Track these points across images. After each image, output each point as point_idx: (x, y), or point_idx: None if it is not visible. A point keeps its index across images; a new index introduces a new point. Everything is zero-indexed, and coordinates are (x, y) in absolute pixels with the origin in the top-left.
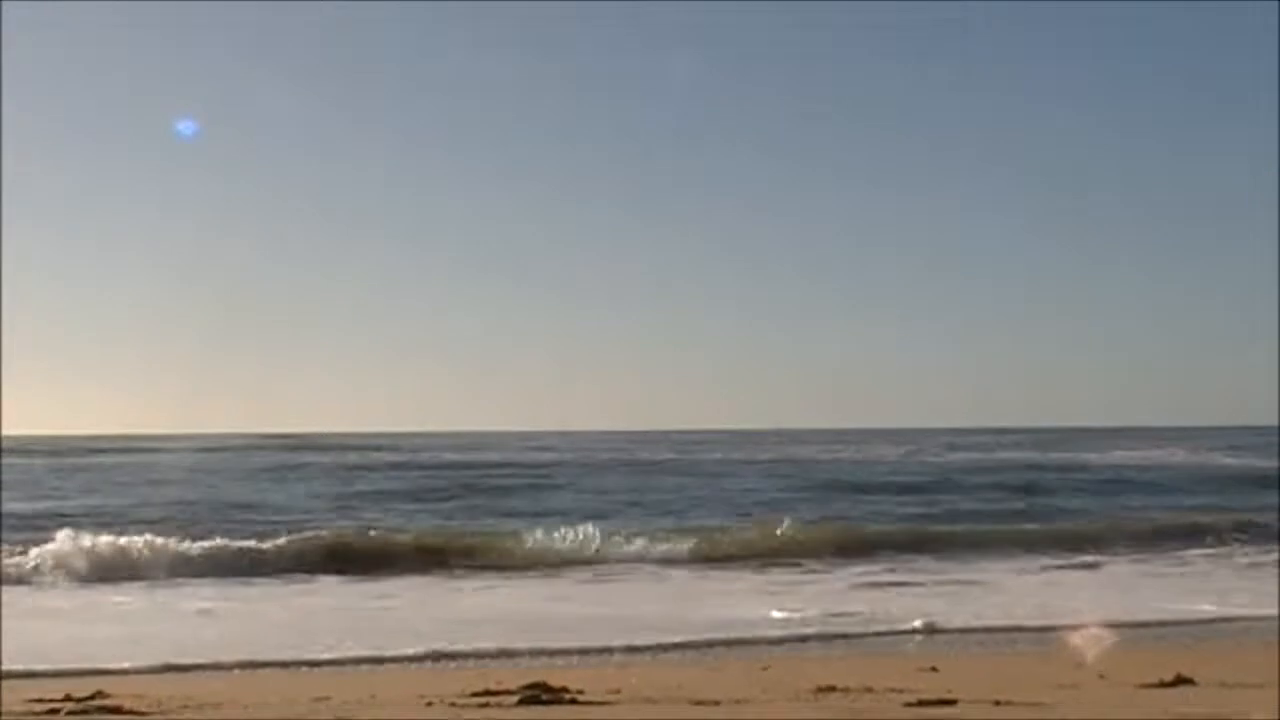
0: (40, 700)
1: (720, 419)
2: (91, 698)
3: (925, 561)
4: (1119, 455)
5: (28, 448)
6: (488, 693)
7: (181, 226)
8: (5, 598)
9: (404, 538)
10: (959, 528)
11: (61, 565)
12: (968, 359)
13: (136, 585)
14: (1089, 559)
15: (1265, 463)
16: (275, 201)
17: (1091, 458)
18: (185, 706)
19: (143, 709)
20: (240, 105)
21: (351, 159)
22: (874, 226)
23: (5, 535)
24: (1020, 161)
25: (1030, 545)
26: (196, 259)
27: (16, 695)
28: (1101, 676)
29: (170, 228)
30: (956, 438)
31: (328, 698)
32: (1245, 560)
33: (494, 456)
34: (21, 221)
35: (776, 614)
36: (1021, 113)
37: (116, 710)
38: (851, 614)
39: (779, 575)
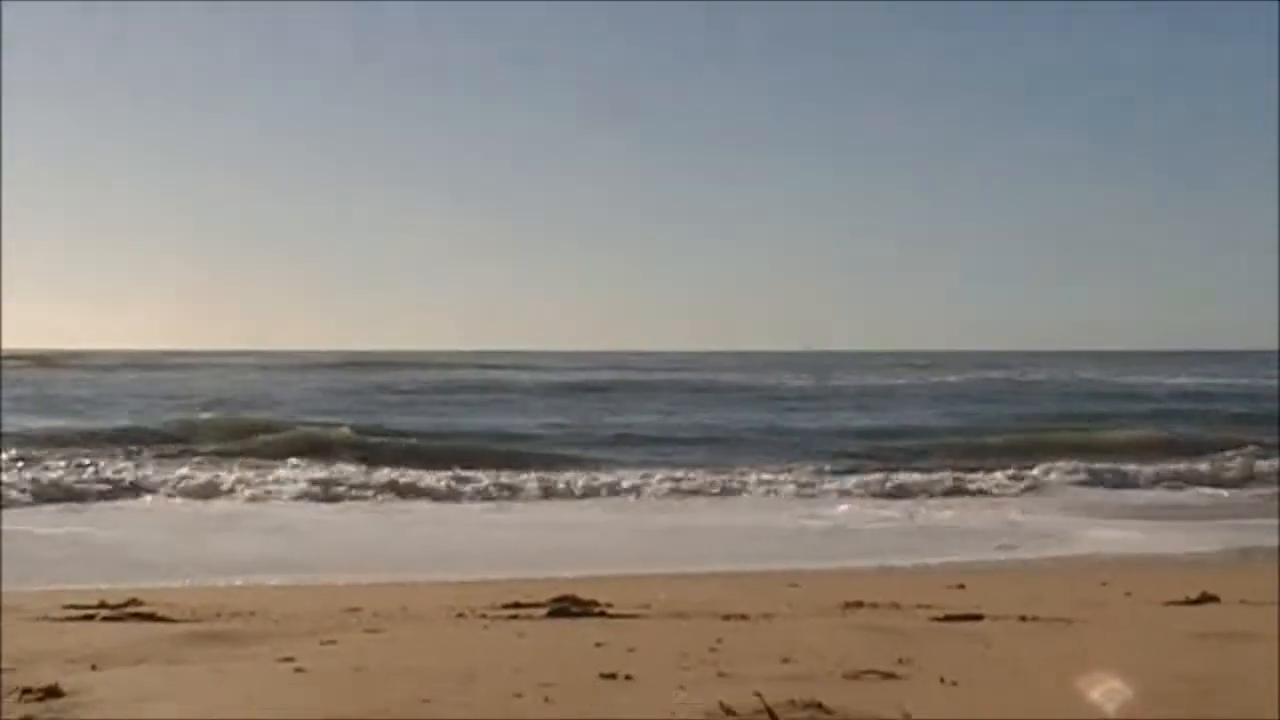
0: (75, 606)
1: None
2: (125, 605)
3: None
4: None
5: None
6: (518, 605)
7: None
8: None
9: None
10: None
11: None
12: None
13: None
14: None
15: None
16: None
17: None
18: (218, 615)
19: (175, 616)
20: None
21: (358, 94)
22: (881, 151)
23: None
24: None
25: None
26: (226, 189)
27: (56, 600)
28: (1128, 594)
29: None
30: (986, 360)
31: (359, 609)
32: None
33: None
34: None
35: None
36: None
37: (149, 617)
38: None
39: None
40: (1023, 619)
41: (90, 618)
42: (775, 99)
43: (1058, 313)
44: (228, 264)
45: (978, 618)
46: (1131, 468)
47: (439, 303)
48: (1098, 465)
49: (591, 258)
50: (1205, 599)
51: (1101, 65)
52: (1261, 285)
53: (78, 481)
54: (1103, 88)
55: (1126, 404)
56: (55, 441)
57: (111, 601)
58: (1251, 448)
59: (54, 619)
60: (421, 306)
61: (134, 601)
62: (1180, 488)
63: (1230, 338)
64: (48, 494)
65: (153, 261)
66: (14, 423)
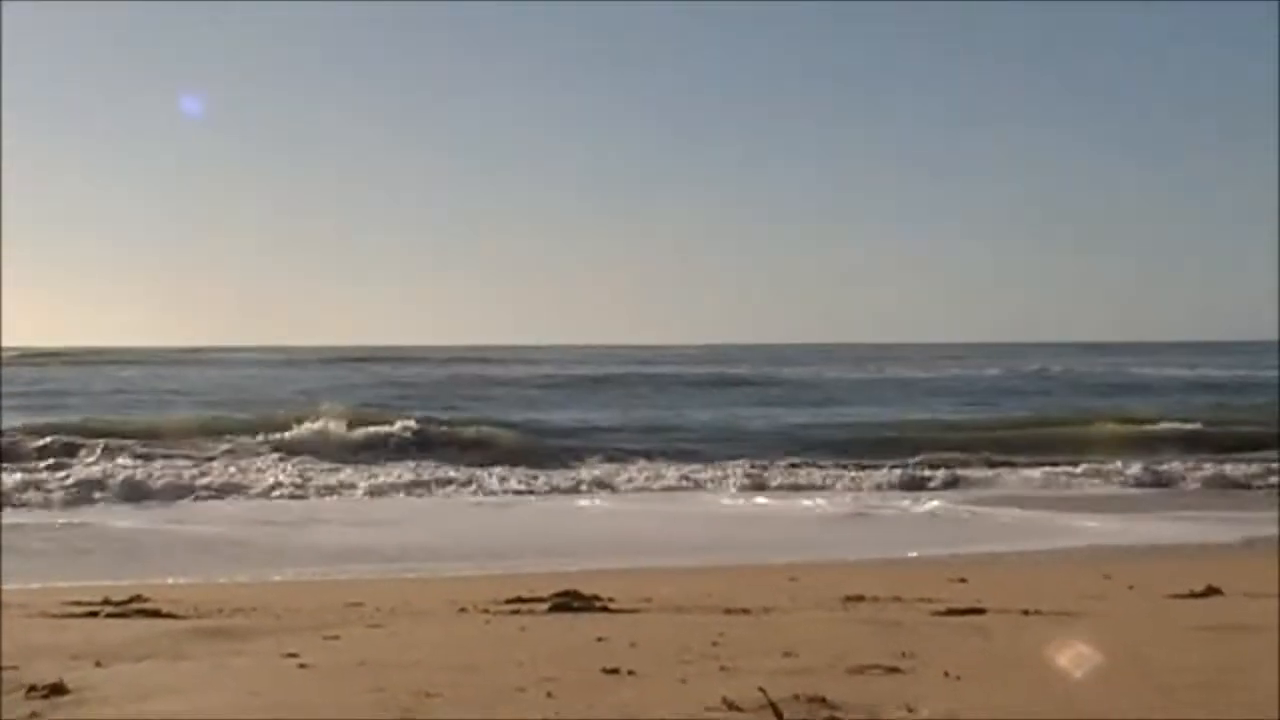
0: (79, 603)
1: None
2: (129, 601)
3: None
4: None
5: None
6: (520, 599)
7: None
8: None
9: None
10: None
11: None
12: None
13: None
14: None
15: None
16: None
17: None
18: (221, 611)
19: (178, 612)
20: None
21: (358, 83)
22: (886, 137)
23: None
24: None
25: None
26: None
27: (59, 597)
28: (1131, 587)
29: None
30: (991, 353)
31: (361, 604)
32: None
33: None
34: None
35: None
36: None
37: (153, 613)
38: None
39: None
40: (1025, 613)
41: (94, 614)
42: (770, 89)
43: (1043, 303)
44: (211, 259)
45: (980, 611)
46: (1136, 464)
47: (413, 298)
48: (1114, 458)
49: (565, 257)
50: (1210, 592)
51: (1109, 49)
52: (1254, 274)
53: (182, 478)
54: (1106, 73)
55: (1137, 396)
56: (135, 436)
57: (115, 598)
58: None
59: (57, 616)
60: (403, 301)
61: (137, 598)
62: (1190, 479)
63: (1222, 329)
64: (162, 492)
65: (131, 256)
66: (107, 419)
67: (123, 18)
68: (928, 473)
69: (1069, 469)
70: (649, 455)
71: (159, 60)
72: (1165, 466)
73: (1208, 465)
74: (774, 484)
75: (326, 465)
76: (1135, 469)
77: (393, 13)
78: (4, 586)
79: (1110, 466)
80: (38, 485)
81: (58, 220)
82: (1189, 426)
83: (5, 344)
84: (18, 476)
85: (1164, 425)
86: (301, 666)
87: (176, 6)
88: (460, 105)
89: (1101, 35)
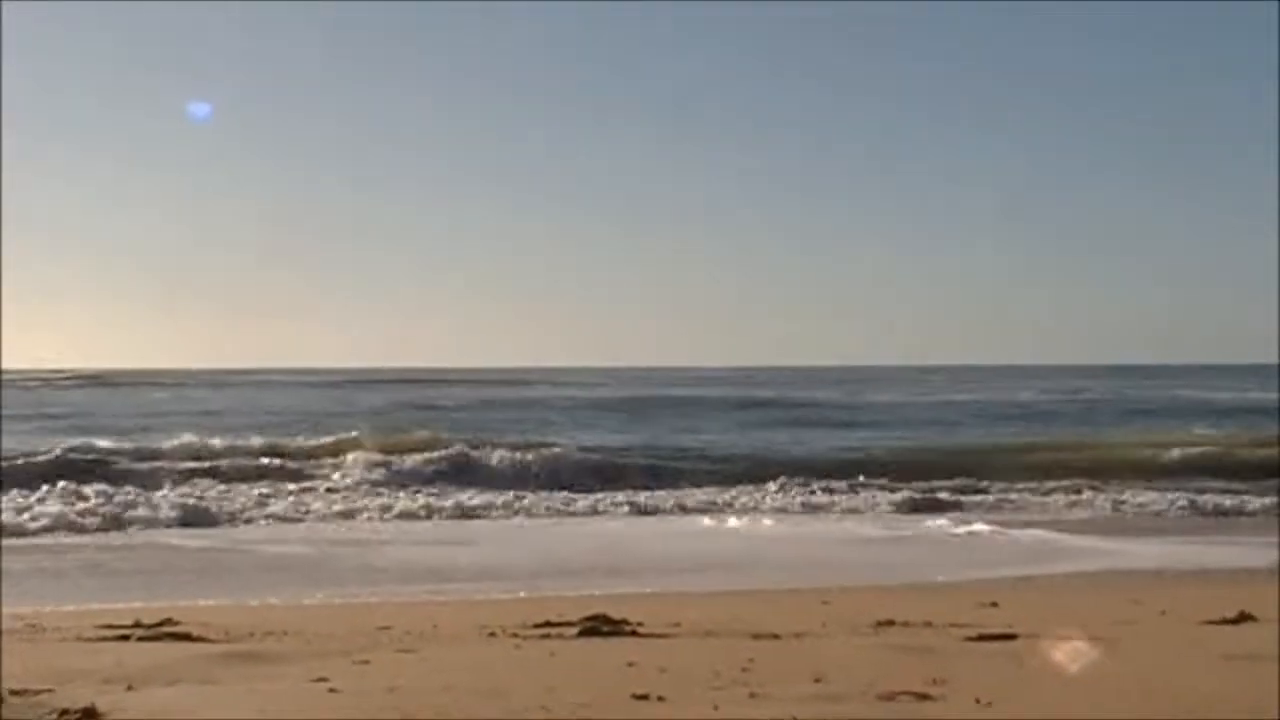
0: (111, 626)
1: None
2: (160, 624)
3: None
4: None
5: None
6: (549, 624)
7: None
8: None
9: None
10: None
11: None
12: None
13: None
14: None
15: None
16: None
17: None
18: (251, 635)
19: (209, 636)
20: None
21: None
22: (905, 154)
23: None
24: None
25: None
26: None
27: (91, 620)
28: (1163, 613)
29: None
30: (1020, 375)
31: (390, 627)
32: None
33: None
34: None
35: None
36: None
37: (184, 636)
38: None
39: None
40: (1057, 638)
41: (125, 638)
42: (787, 103)
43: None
44: (225, 276)
45: (1011, 637)
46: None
47: (437, 318)
48: (1143, 481)
49: (580, 275)
50: (1243, 618)
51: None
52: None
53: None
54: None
55: (1166, 419)
56: (169, 458)
57: (146, 621)
58: None
59: (90, 639)
60: (428, 321)
61: (168, 621)
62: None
63: (1259, 351)
64: (197, 515)
65: (144, 272)
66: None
67: (125, 20)
68: (958, 496)
69: (1098, 492)
70: (678, 477)
71: (167, 66)
72: (1195, 491)
73: (1237, 489)
74: (804, 506)
75: (361, 488)
76: (1165, 492)
77: (418, 15)
78: (41, 609)
79: (1139, 489)
80: (70, 507)
81: (66, 236)
82: (1218, 449)
83: (30, 368)
84: (50, 499)
85: (1193, 449)
86: (331, 691)
87: (179, 8)
88: (481, 120)
89: (1115, 36)
